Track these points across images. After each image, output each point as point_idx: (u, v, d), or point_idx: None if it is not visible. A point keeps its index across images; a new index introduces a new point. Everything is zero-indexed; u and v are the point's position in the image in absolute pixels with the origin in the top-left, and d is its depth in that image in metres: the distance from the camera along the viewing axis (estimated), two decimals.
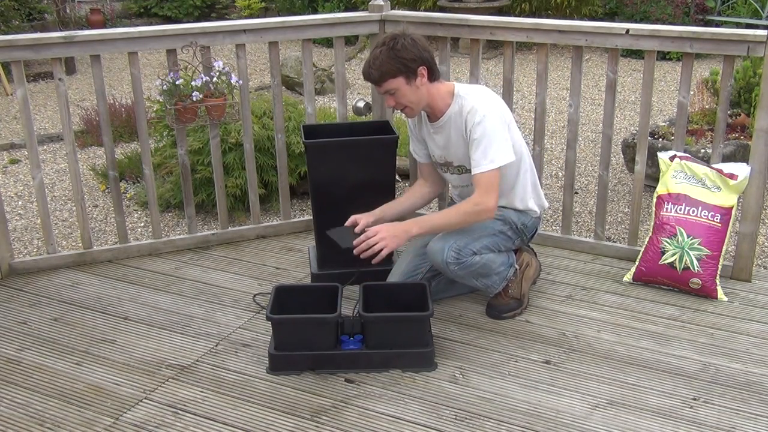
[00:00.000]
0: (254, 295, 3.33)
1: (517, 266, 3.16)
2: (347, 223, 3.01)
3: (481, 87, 3.05)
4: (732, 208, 3.27)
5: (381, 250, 2.83)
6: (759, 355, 2.85)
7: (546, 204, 3.27)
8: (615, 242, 3.91)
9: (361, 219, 3.00)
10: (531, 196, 3.16)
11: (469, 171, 2.97)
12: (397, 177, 4.15)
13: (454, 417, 2.52)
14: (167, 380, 2.75)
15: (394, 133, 3.37)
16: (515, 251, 3.21)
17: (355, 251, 2.88)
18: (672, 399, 2.60)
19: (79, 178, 3.59)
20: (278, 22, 3.71)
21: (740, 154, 4.30)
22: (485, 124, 2.85)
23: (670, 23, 8.34)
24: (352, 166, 3.28)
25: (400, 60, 2.82)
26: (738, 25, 8.39)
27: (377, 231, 2.84)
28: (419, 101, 2.91)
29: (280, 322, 2.78)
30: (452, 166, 3.08)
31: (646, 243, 3.36)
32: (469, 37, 3.66)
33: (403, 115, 3.08)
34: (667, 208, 3.33)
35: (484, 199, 2.85)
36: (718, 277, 3.23)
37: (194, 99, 3.46)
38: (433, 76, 2.91)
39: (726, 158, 3.83)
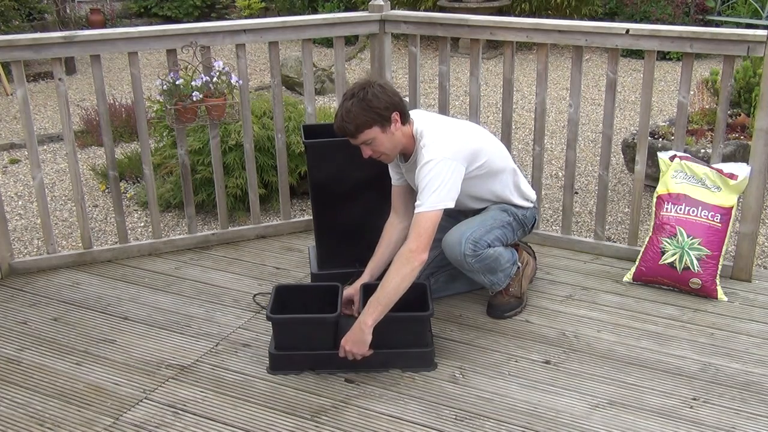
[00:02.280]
0: (254, 295, 3.33)
1: (520, 264, 3.17)
2: (344, 300, 2.96)
3: (442, 124, 2.97)
4: (732, 208, 3.27)
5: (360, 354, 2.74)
6: (759, 355, 2.85)
7: (534, 195, 3.25)
8: (615, 242, 3.91)
9: (352, 295, 2.98)
10: (517, 195, 3.15)
11: None
12: None
13: (454, 417, 2.52)
14: (167, 380, 2.75)
15: None
16: (516, 249, 3.21)
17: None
18: (672, 399, 2.60)
19: (79, 178, 3.59)
20: (278, 22, 3.71)
21: (740, 154, 4.30)
22: (429, 167, 2.80)
23: (670, 23, 8.34)
24: (352, 166, 3.28)
25: (373, 110, 2.78)
26: (738, 25, 8.38)
27: (342, 347, 2.74)
28: (395, 147, 2.89)
29: (281, 322, 2.78)
30: None
31: (646, 243, 3.36)
32: (469, 37, 3.66)
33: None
34: (667, 208, 3.33)
35: (415, 244, 2.74)
36: (718, 277, 3.23)
37: (194, 99, 3.46)
38: (405, 119, 2.88)
39: (726, 158, 3.83)
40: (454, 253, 2.95)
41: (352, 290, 3.01)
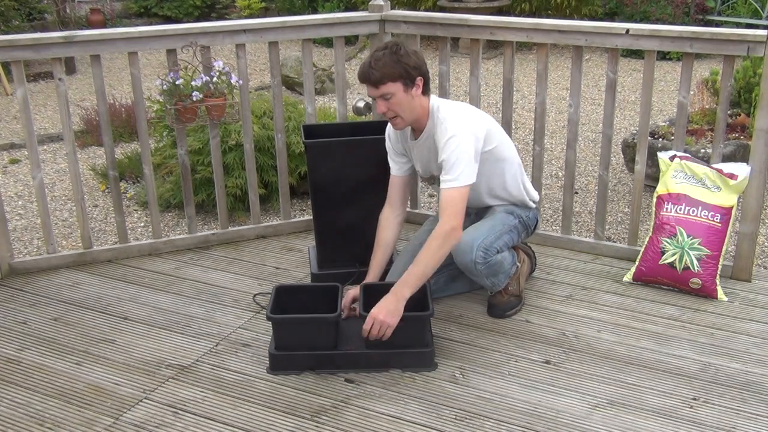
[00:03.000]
0: (254, 295, 3.33)
1: (518, 263, 3.18)
2: (344, 305, 2.93)
3: (456, 103, 3.01)
4: (732, 208, 3.27)
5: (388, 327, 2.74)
6: (759, 355, 2.85)
7: (537, 196, 3.28)
8: (615, 242, 3.91)
9: (355, 295, 2.96)
10: (522, 191, 3.18)
11: None
12: None
13: (454, 417, 2.52)
14: (167, 380, 2.75)
15: None
16: (514, 249, 3.23)
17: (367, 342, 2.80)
18: (672, 399, 2.60)
19: (79, 178, 3.59)
20: (278, 22, 3.71)
21: (740, 154, 4.30)
22: (457, 142, 2.82)
23: (670, 23, 8.34)
24: (352, 166, 3.28)
25: (402, 65, 2.80)
26: (738, 25, 8.39)
27: (374, 318, 2.71)
28: (411, 112, 2.87)
29: (281, 322, 2.78)
30: (436, 179, 3.07)
31: (646, 243, 3.36)
32: (469, 37, 3.66)
33: (390, 126, 3.04)
34: (667, 208, 3.33)
35: (452, 223, 2.78)
36: (718, 277, 3.23)
37: (194, 99, 3.46)
38: (426, 90, 2.90)
39: (726, 158, 3.83)
40: (465, 260, 2.95)
41: (355, 291, 3.01)
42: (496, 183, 3.09)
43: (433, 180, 3.10)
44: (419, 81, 2.85)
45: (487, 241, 2.96)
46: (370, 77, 2.83)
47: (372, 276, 3.06)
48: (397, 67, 2.79)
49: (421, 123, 2.95)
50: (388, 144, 3.16)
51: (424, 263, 2.77)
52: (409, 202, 4.06)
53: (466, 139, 2.83)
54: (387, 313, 2.68)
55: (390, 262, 3.17)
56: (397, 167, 3.13)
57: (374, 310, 2.70)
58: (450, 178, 2.82)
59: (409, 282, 2.75)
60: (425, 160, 3.04)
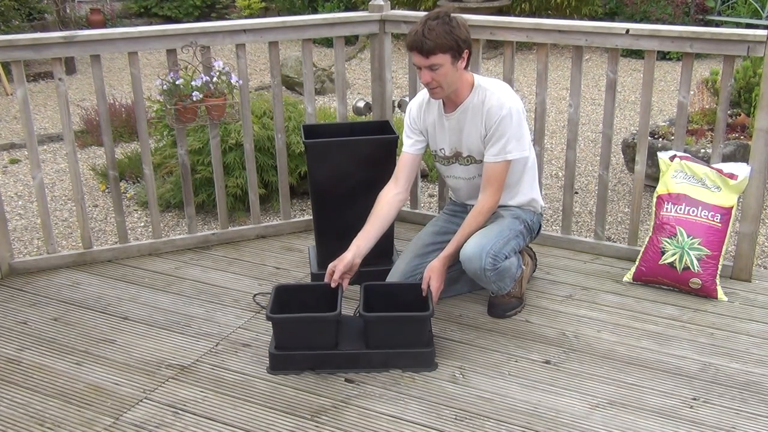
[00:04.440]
0: (254, 295, 3.33)
1: (523, 266, 3.17)
2: (327, 273, 2.93)
3: (500, 81, 3.08)
4: (732, 208, 3.27)
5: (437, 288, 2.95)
6: (759, 355, 2.85)
7: (542, 203, 3.29)
8: (615, 242, 3.91)
9: (339, 269, 2.91)
10: (535, 189, 3.21)
11: (477, 162, 3.03)
12: None
13: (454, 417, 2.52)
14: (167, 380, 2.75)
15: (394, 133, 3.37)
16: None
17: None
18: (672, 399, 2.60)
19: (79, 178, 3.59)
20: (278, 22, 3.71)
21: (740, 154, 4.30)
22: (509, 119, 2.91)
23: (670, 23, 8.34)
24: (352, 166, 3.28)
25: (454, 36, 2.80)
26: (738, 25, 8.39)
27: (430, 275, 2.92)
28: (452, 84, 2.91)
29: (281, 322, 2.78)
30: (461, 157, 3.09)
31: (646, 243, 3.36)
32: None
33: (413, 101, 3.13)
34: (667, 208, 3.33)
35: (496, 198, 2.98)
36: (718, 277, 3.23)
37: (194, 99, 3.46)
38: (468, 64, 2.95)
39: (726, 158, 3.83)
40: (473, 266, 2.95)
41: (348, 259, 2.93)
42: (515, 178, 3.10)
43: (456, 158, 3.11)
44: (465, 54, 2.88)
45: (495, 247, 2.95)
46: (422, 47, 2.80)
47: (354, 249, 2.94)
48: (449, 38, 2.80)
49: (460, 96, 2.98)
50: (407, 120, 3.18)
51: (467, 233, 2.96)
52: (409, 202, 4.07)
53: (516, 114, 2.92)
54: (439, 277, 2.92)
55: (389, 250, 3.16)
56: (410, 144, 3.15)
57: (429, 272, 2.92)
58: (496, 151, 2.91)
59: (450, 250, 2.96)
60: (456, 135, 3.06)
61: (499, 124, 2.91)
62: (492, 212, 3.02)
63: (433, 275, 2.92)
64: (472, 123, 2.98)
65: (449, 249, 2.99)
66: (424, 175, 4.88)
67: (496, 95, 2.94)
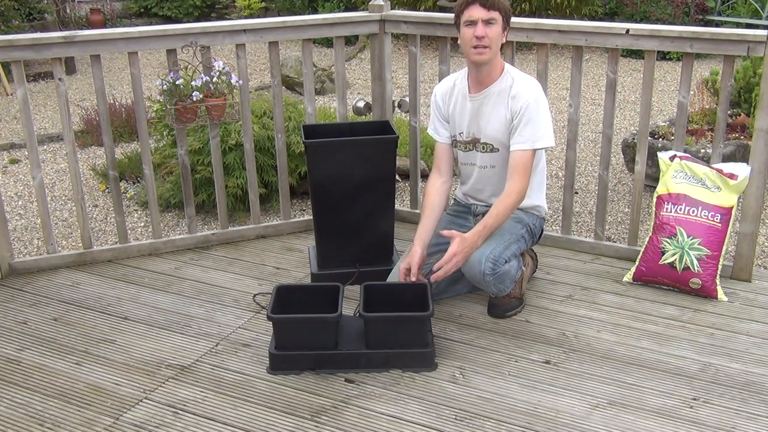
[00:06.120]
0: (254, 295, 3.33)
1: (524, 268, 3.17)
2: (401, 274, 3.00)
3: (526, 74, 3.14)
4: (732, 208, 3.27)
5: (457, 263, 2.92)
6: (759, 355, 2.85)
7: (546, 208, 3.29)
8: (615, 242, 3.91)
9: (415, 263, 2.98)
10: (542, 195, 3.23)
11: (494, 151, 3.06)
12: (397, 177, 4.15)
13: (454, 417, 2.52)
14: (167, 380, 2.75)
15: (394, 133, 3.37)
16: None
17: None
18: (672, 399, 2.60)
19: (79, 178, 3.59)
20: (278, 22, 3.71)
21: (740, 154, 4.30)
22: (536, 107, 2.95)
23: (670, 23, 8.34)
24: (352, 166, 3.28)
25: (508, 6, 2.95)
26: (738, 25, 8.39)
27: (455, 254, 2.87)
28: (496, 51, 2.97)
29: (281, 322, 2.78)
30: (479, 143, 3.10)
31: (646, 243, 3.36)
32: None
33: (438, 87, 3.19)
34: (667, 208, 3.33)
35: (523, 184, 2.96)
36: (718, 277, 3.23)
37: (194, 99, 3.46)
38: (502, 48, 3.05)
39: (726, 158, 3.83)
40: (473, 271, 2.96)
41: (415, 258, 3.00)
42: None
43: (474, 145, 3.13)
44: (506, 33, 2.98)
45: (495, 252, 2.95)
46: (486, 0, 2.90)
47: (419, 242, 3.04)
48: (506, 4, 2.93)
49: (491, 76, 3.03)
50: (433, 109, 3.22)
51: (497, 218, 2.94)
52: (409, 203, 4.07)
53: (543, 103, 2.98)
54: (464, 254, 2.87)
55: (389, 250, 3.17)
56: (441, 134, 3.22)
57: (455, 250, 2.85)
58: (525, 139, 2.94)
59: (483, 234, 2.93)
60: (475, 119, 3.08)
61: (526, 109, 2.95)
62: (521, 197, 2.96)
63: (460, 246, 2.87)
64: (494, 108, 3.02)
65: (479, 227, 2.94)
66: (425, 176, 4.87)
67: (524, 83, 3.01)
